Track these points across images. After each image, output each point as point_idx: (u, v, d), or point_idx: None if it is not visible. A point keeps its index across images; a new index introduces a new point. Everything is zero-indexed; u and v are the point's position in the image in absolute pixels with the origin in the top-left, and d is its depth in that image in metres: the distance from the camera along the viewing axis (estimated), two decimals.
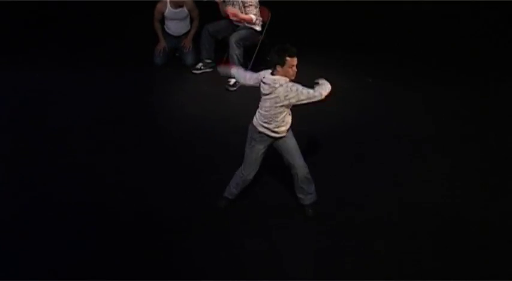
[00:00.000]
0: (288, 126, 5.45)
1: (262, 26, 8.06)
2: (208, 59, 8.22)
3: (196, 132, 6.95)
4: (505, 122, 7.15)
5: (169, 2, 8.17)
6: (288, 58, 5.16)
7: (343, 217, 5.69)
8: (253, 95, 7.65)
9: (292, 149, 5.49)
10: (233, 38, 7.75)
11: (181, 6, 8.20)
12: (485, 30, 9.23)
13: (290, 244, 5.41)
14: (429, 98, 7.65)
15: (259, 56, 8.14)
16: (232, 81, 7.81)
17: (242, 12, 7.80)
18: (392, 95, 7.76)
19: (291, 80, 5.26)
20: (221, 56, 8.15)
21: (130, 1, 9.65)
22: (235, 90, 7.82)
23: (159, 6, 8.23)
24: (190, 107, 7.50)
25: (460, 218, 5.67)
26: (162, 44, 8.33)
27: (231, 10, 7.76)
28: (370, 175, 6.25)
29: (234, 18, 7.84)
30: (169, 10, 8.21)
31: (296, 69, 5.22)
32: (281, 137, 5.46)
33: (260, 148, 5.49)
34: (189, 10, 8.25)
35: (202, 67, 8.24)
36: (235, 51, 7.75)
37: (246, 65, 8.01)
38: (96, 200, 5.86)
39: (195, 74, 8.22)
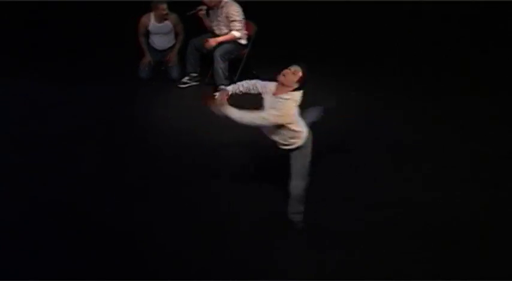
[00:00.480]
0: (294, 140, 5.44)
1: (248, 40, 8.07)
2: (194, 72, 8.21)
3: (183, 146, 6.92)
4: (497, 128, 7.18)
5: (154, 16, 8.17)
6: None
7: (334, 224, 5.68)
8: (239, 108, 7.71)
9: (294, 167, 5.48)
10: (218, 52, 7.76)
11: (165, 20, 8.20)
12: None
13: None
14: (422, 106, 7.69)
15: (245, 69, 8.16)
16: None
17: (227, 28, 7.80)
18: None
19: None
20: (207, 70, 8.15)
21: (115, 15, 9.65)
22: None
23: (143, 20, 8.23)
24: (176, 121, 7.48)
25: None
26: (147, 58, 8.32)
27: (212, 40, 7.80)
28: (359, 182, 6.27)
29: (215, 43, 7.84)
30: (153, 25, 8.21)
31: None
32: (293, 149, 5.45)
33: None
34: (173, 24, 8.26)
35: (188, 81, 8.23)
36: (220, 65, 7.75)
37: (232, 79, 8.02)
38: (80, 210, 5.85)
39: (181, 88, 8.21)
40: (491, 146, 6.79)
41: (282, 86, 5.23)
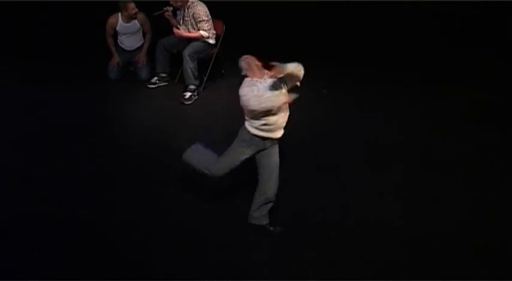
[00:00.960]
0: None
1: (217, 39, 8.07)
2: (163, 73, 8.19)
3: (153, 146, 6.89)
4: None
5: (121, 16, 8.13)
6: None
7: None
8: (209, 108, 7.72)
9: (271, 165, 5.42)
10: (187, 52, 7.74)
11: (133, 19, 8.16)
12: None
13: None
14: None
15: (214, 69, 8.16)
16: (188, 94, 7.79)
17: (194, 28, 7.80)
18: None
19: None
20: (176, 70, 8.13)
21: (82, 16, 9.56)
22: (191, 103, 7.79)
23: (110, 21, 8.18)
24: (146, 122, 7.45)
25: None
26: (116, 59, 8.27)
27: (176, 32, 7.77)
28: (338, 182, 6.30)
29: (179, 36, 7.83)
30: (120, 24, 8.17)
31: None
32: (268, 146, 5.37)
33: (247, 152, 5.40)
34: (140, 24, 8.23)
35: (157, 81, 8.20)
36: (189, 65, 7.74)
37: (201, 78, 8.01)
38: (52, 210, 5.84)
39: (150, 88, 8.18)
40: (471, 145, 6.85)
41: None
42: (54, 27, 9.66)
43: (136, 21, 8.20)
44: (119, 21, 8.16)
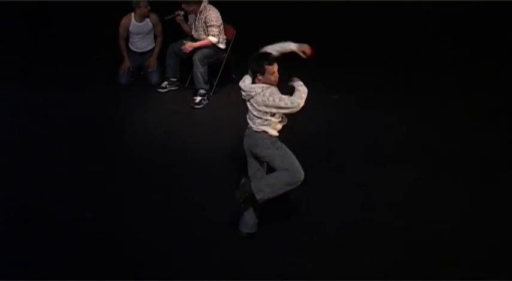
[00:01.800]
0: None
1: (227, 44, 8.08)
2: (174, 77, 8.21)
3: (162, 151, 6.91)
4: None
5: (134, 16, 8.16)
6: (267, 66, 5.13)
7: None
8: (219, 113, 7.72)
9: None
10: (197, 56, 7.75)
11: (146, 17, 8.19)
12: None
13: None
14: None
15: (224, 73, 8.17)
16: (198, 99, 7.80)
17: (206, 33, 7.81)
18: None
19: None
20: (186, 74, 8.15)
21: (93, 20, 9.60)
22: (201, 108, 7.80)
23: (123, 22, 8.21)
24: (156, 126, 7.47)
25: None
26: (127, 63, 8.30)
27: (188, 45, 7.78)
28: (341, 182, 6.31)
29: (191, 48, 7.82)
30: (134, 24, 8.20)
31: (278, 75, 5.17)
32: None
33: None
34: (153, 24, 8.25)
35: (167, 86, 8.22)
36: (199, 70, 7.75)
37: (211, 83, 8.02)
38: (59, 212, 5.86)
39: (161, 92, 8.20)
40: (472, 145, 6.86)
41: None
42: (65, 30, 9.71)
43: (149, 20, 8.23)
44: (132, 21, 8.19)
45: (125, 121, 7.59)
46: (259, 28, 9.48)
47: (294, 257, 5.33)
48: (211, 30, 7.78)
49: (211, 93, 8.03)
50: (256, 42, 8.96)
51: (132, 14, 8.21)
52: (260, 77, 5.17)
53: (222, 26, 7.89)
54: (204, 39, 7.85)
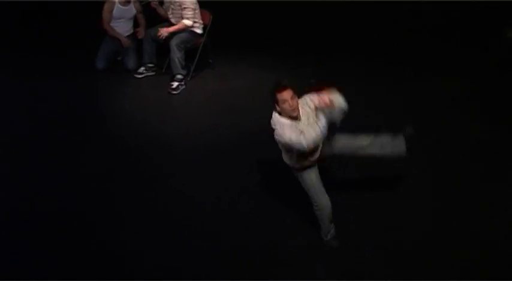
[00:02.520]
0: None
1: (204, 29, 8.08)
2: (151, 63, 8.19)
3: (140, 136, 6.89)
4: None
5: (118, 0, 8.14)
6: (277, 94, 4.75)
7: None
8: (196, 97, 7.74)
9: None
10: (174, 42, 7.74)
11: (128, 2, 8.17)
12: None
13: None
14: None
15: (201, 58, 8.17)
16: (175, 84, 7.80)
17: (180, 14, 7.81)
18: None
19: (292, 117, 4.84)
20: (163, 60, 8.14)
21: (69, 7, 9.52)
22: (178, 93, 7.81)
23: (107, 5, 8.12)
24: (133, 111, 7.45)
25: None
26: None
27: (163, 31, 7.75)
28: None
29: (167, 33, 7.82)
30: (117, 7, 8.12)
31: (292, 103, 4.76)
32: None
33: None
34: (137, 11, 8.22)
35: (144, 71, 8.20)
36: (176, 55, 7.74)
37: (189, 68, 8.03)
38: (40, 203, 5.80)
39: (138, 78, 8.19)
40: (450, 131, 6.86)
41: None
42: (40, 18, 9.63)
43: (133, 6, 8.19)
44: (116, 4, 8.12)
45: (101, 107, 7.54)
46: (236, 13, 9.53)
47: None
48: (185, 13, 7.75)
49: (188, 79, 8.03)
50: (232, 27, 9.07)
51: None
52: (277, 107, 4.81)
53: (197, 9, 7.87)
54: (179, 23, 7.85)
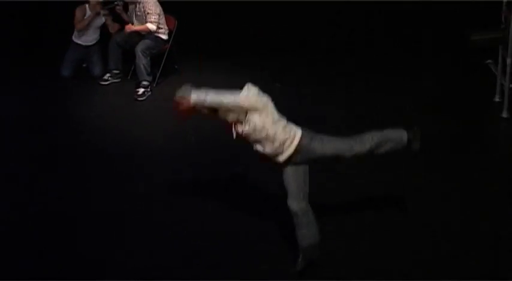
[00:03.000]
0: None
1: (169, 35, 8.10)
2: (116, 70, 8.18)
3: (106, 143, 6.85)
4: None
5: (88, 6, 8.12)
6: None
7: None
8: (163, 104, 7.72)
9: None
10: (139, 48, 7.75)
11: (98, 14, 8.17)
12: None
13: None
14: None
15: (167, 64, 8.18)
16: (141, 90, 7.79)
17: (144, 19, 7.82)
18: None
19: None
20: (129, 66, 8.13)
21: (38, 13, 9.44)
22: (144, 100, 7.80)
23: (79, 13, 8.14)
24: (99, 118, 7.42)
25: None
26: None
27: (127, 27, 7.83)
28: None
29: (130, 30, 7.85)
30: (88, 15, 8.16)
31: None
32: None
33: None
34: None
35: (109, 78, 8.18)
36: (142, 61, 7.74)
37: (154, 74, 8.03)
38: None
39: (103, 85, 8.16)
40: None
41: None
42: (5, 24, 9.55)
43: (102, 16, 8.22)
44: (87, 12, 8.14)
45: (66, 114, 7.50)
46: (201, 19, 9.55)
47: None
48: (149, 17, 7.76)
49: (154, 85, 8.03)
50: (198, 33, 9.07)
51: (87, 5, 8.15)
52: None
53: (162, 15, 7.90)
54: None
